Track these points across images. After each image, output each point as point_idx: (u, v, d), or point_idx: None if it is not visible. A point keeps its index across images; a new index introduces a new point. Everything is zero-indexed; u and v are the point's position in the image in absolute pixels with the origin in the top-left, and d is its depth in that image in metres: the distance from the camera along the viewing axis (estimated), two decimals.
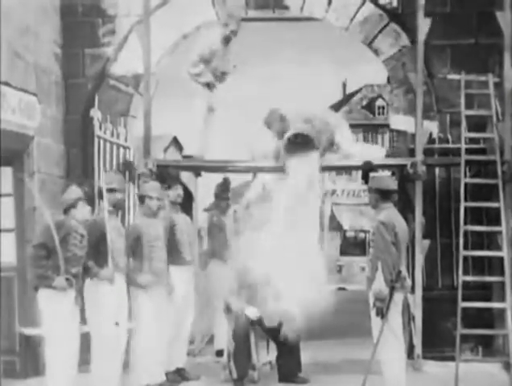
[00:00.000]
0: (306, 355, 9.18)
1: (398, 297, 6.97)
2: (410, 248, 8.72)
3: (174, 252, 8.59)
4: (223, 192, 10.44)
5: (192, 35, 10.68)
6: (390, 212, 7.03)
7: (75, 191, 7.24)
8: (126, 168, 8.77)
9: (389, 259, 6.85)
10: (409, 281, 7.05)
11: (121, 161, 9.51)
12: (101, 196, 7.65)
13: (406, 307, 7.22)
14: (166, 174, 9.17)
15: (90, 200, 7.43)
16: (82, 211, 7.17)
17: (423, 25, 9.53)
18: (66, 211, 7.15)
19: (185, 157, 10.56)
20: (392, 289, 6.85)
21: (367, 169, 7.45)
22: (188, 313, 8.86)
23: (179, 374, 8.71)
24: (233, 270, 8.74)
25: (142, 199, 8.28)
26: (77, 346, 7.02)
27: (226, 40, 9.88)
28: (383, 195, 7.09)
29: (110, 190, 7.66)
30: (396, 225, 6.92)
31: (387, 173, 7.31)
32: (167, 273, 8.27)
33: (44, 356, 7.04)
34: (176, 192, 8.81)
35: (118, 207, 7.98)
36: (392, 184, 7.20)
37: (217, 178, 10.86)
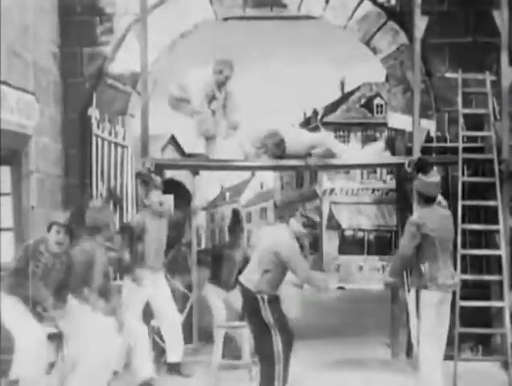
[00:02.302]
0: (305, 354, 9.19)
1: (429, 294, 7.01)
2: None
3: (141, 257, 8.62)
4: (235, 225, 10.39)
5: (190, 35, 10.68)
6: (425, 213, 7.09)
7: (58, 216, 7.21)
8: (110, 197, 8.74)
9: (403, 254, 7.11)
10: (445, 279, 7.04)
11: (104, 191, 9.42)
12: (92, 233, 7.52)
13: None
14: (147, 178, 9.12)
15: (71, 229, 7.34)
16: (57, 238, 7.13)
17: (420, 23, 9.54)
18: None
19: (189, 155, 10.48)
20: (418, 288, 7.04)
21: (419, 166, 7.47)
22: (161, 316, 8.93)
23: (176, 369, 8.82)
24: None
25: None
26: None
27: (220, 85, 9.73)
28: (426, 199, 7.17)
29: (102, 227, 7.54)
30: (427, 225, 6.97)
31: (435, 177, 7.29)
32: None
33: None
34: (155, 198, 8.78)
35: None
36: (434, 191, 7.20)
37: (217, 177, 10.82)
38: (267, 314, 7.21)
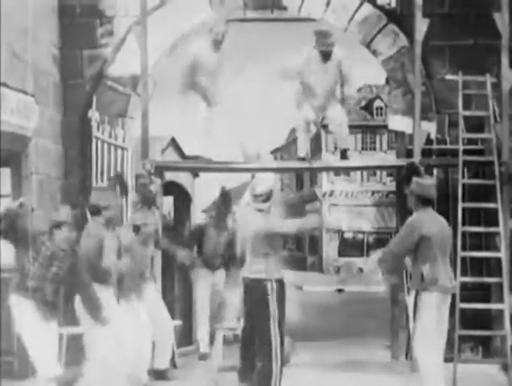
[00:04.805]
0: (305, 356, 9.20)
1: (430, 296, 7.00)
2: None
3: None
4: (223, 205, 10.33)
5: (189, 36, 10.68)
6: (422, 215, 7.09)
7: (63, 214, 7.19)
8: (117, 181, 8.70)
9: (394, 252, 7.11)
10: (444, 282, 7.05)
11: (112, 175, 9.41)
12: (93, 213, 7.56)
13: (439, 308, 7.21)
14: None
15: (79, 225, 7.32)
16: (64, 235, 7.09)
17: (421, 26, 9.54)
18: (50, 230, 7.10)
19: (189, 157, 10.49)
20: (418, 290, 7.02)
21: (411, 170, 7.47)
22: None
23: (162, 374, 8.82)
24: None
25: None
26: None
27: (216, 44, 9.70)
28: (424, 201, 7.16)
29: (103, 208, 7.58)
30: (425, 227, 6.97)
31: (431, 179, 7.30)
32: None
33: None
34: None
35: (112, 223, 7.68)
36: (432, 192, 7.20)
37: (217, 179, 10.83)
38: (273, 305, 7.24)
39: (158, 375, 8.81)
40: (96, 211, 7.50)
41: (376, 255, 7.31)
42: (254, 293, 7.34)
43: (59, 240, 7.03)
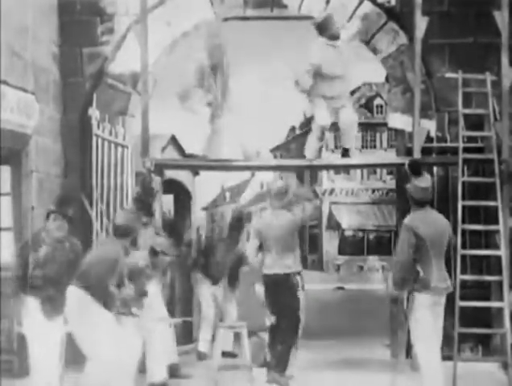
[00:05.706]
0: (304, 355, 9.19)
1: (422, 297, 7.00)
2: None
3: None
4: (237, 223, 10.42)
5: (190, 34, 10.69)
6: (417, 215, 7.08)
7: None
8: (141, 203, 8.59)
9: (401, 260, 6.98)
10: (437, 283, 7.04)
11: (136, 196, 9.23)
12: (120, 235, 7.35)
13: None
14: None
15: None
16: (55, 225, 7.11)
17: (421, 23, 9.54)
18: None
19: (188, 156, 10.52)
20: (411, 291, 7.04)
21: (412, 169, 7.47)
22: None
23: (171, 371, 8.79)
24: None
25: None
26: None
27: (213, 67, 9.79)
28: (416, 202, 7.16)
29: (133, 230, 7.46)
30: (420, 228, 6.95)
31: (426, 182, 7.25)
32: None
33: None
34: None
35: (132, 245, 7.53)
36: (425, 195, 7.18)
37: (217, 177, 10.85)
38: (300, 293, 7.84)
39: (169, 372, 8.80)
40: (125, 233, 7.30)
41: (389, 276, 7.27)
42: (284, 288, 7.67)
43: (53, 230, 7.06)
